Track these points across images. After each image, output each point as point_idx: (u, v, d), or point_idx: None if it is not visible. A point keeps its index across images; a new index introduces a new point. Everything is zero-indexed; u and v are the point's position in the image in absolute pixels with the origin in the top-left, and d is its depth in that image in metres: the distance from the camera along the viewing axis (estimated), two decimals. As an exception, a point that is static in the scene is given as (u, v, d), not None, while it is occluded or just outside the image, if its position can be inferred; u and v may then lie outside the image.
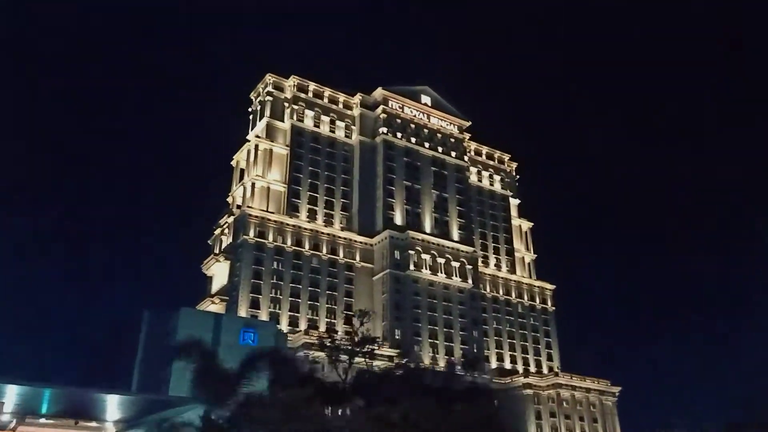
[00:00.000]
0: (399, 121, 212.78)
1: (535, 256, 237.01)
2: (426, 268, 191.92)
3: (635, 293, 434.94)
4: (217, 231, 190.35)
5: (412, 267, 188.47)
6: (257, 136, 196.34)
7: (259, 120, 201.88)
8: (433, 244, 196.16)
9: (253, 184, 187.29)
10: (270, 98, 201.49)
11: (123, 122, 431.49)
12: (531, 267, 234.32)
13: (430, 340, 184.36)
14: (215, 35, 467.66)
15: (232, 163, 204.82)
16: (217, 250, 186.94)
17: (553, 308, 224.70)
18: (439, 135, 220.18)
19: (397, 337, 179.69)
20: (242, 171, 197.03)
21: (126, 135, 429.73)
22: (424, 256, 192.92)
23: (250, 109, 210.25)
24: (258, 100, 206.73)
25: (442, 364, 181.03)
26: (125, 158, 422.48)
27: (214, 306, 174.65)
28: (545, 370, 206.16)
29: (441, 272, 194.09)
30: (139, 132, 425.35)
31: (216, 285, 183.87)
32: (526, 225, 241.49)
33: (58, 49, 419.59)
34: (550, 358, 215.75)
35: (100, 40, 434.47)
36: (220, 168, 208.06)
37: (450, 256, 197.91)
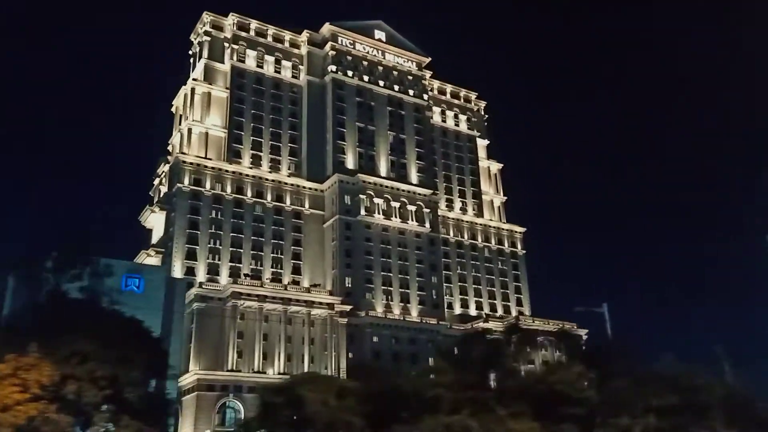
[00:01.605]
0: (350, 58, 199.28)
1: (505, 198, 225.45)
2: (379, 213, 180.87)
3: (610, 234, 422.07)
4: (156, 181, 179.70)
5: (363, 212, 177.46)
6: (194, 80, 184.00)
7: (198, 62, 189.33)
8: (387, 187, 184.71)
9: (189, 130, 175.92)
10: (208, 38, 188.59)
11: (66, 69, 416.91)
12: (501, 210, 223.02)
13: (383, 287, 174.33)
14: None
15: (172, 109, 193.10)
16: (156, 201, 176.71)
17: (524, 252, 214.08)
18: (395, 72, 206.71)
19: (347, 285, 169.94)
20: (181, 117, 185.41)
21: (68, 82, 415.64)
22: (376, 200, 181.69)
23: (190, 52, 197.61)
24: (197, 41, 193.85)
25: (396, 312, 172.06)
26: (69, 109, 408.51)
27: (150, 259, 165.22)
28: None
29: (396, 217, 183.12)
30: (81, 80, 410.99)
31: (155, 237, 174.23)
32: (495, 166, 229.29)
33: None
34: (519, 303, 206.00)
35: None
36: (165, 116, 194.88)
37: (406, 200, 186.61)
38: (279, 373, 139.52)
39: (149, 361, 68.46)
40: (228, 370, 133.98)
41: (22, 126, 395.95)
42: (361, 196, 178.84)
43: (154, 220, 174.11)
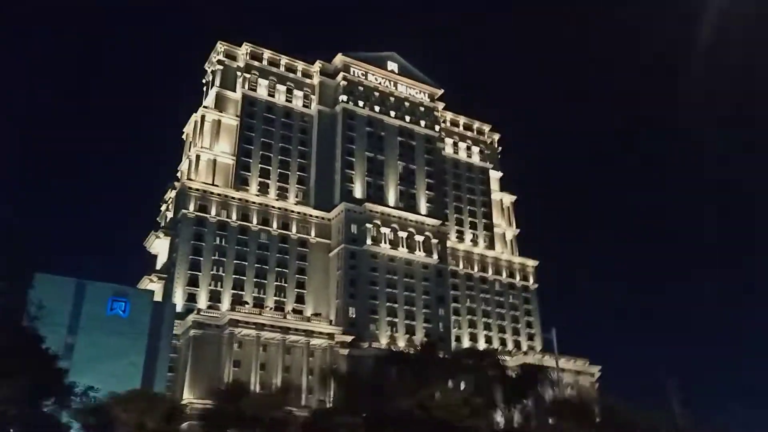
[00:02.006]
0: (361, 88, 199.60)
1: (518, 231, 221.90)
2: (386, 243, 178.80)
3: (625, 270, 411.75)
4: (163, 207, 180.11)
5: (369, 241, 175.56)
6: (205, 107, 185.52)
7: (210, 90, 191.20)
8: (395, 217, 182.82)
9: (198, 157, 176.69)
10: (221, 67, 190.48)
11: (88, 100, 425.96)
12: (513, 243, 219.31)
13: (388, 318, 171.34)
14: (172, 8, 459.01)
15: (183, 136, 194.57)
16: (162, 226, 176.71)
17: (536, 285, 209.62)
18: (407, 103, 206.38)
19: (351, 316, 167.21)
20: (191, 144, 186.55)
21: (89, 114, 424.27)
22: (383, 229, 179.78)
23: (204, 81, 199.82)
24: (211, 70, 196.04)
25: (401, 343, 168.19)
26: (90, 135, 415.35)
27: (153, 284, 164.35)
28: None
29: (403, 247, 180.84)
30: (101, 111, 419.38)
31: (160, 263, 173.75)
32: (509, 199, 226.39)
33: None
34: (530, 338, 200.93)
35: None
36: (177, 143, 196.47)
37: (414, 230, 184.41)
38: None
39: (35, 380, 64.53)
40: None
41: (33, 146, 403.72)
42: (368, 225, 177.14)
43: (159, 246, 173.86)
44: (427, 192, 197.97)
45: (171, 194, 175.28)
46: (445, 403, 76.90)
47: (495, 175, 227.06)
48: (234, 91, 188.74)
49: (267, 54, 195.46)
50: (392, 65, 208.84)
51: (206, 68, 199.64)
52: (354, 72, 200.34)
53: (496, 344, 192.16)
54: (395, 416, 78.30)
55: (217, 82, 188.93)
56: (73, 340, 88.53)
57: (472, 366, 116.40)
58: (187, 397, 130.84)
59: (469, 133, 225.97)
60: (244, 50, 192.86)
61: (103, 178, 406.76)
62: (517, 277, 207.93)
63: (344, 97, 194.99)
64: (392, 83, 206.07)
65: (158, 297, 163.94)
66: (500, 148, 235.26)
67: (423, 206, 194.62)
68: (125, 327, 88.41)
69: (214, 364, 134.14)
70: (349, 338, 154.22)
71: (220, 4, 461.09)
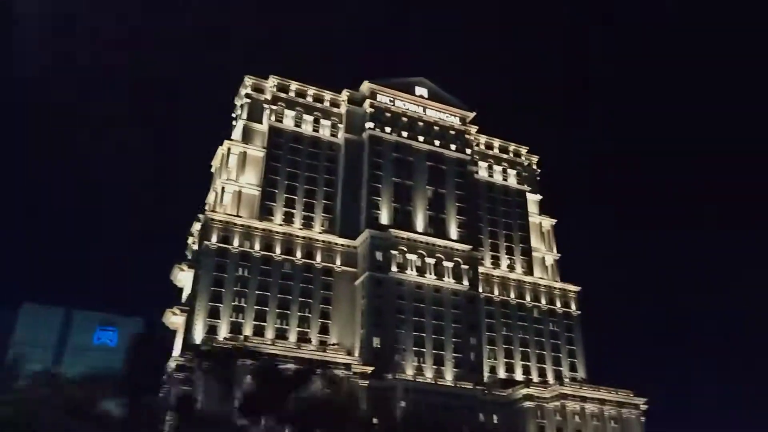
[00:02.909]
0: (389, 114, 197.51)
1: (559, 256, 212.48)
2: (412, 270, 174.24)
3: (671, 296, 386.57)
4: (190, 240, 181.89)
5: (394, 268, 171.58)
6: (231, 140, 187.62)
7: (237, 123, 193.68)
8: (421, 242, 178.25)
9: (223, 189, 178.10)
10: (248, 100, 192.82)
11: (125, 134, 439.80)
12: (553, 268, 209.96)
13: (415, 348, 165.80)
14: (206, 44, 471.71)
15: (212, 170, 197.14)
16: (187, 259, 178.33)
17: (578, 312, 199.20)
18: (436, 127, 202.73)
19: (376, 346, 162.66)
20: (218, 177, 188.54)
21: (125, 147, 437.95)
22: (410, 256, 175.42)
23: (233, 115, 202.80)
24: (240, 104, 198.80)
25: (429, 375, 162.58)
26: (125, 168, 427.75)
27: (175, 317, 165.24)
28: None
29: (431, 273, 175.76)
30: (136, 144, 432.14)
31: (185, 296, 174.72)
32: (548, 222, 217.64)
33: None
34: (573, 368, 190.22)
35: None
36: (208, 176, 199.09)
37: (442, 256, 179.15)
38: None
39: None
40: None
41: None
42: (393, 251, 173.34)
43: (184, 279, 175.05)
44: (458, 217, 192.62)
45: (196, 227, 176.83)
46: None
47: (533, 198, 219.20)
48: (260, 122, 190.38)
49: (294, 85, 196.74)
50: (421, 90, 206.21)
51: (236, 102, 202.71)
52: (381, 98, 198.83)
53: (534, 374, 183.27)
54: None
55: (244, 115, 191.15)
56: (57, 370, 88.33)
57: None
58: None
59: (504, 156, 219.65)
60: (271, 83, 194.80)
61: (133, 212, 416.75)
62: (558, 304, 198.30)
63: (371, 124, 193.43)
64: (421, 108, 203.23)
65: (181, 329, 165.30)
66: (539, 171, 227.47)
67: (454, 231, 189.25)
68: (114, 356, 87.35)
69: (227, 400, 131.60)
70: (369, 369, 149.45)
71: (251, 40, 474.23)
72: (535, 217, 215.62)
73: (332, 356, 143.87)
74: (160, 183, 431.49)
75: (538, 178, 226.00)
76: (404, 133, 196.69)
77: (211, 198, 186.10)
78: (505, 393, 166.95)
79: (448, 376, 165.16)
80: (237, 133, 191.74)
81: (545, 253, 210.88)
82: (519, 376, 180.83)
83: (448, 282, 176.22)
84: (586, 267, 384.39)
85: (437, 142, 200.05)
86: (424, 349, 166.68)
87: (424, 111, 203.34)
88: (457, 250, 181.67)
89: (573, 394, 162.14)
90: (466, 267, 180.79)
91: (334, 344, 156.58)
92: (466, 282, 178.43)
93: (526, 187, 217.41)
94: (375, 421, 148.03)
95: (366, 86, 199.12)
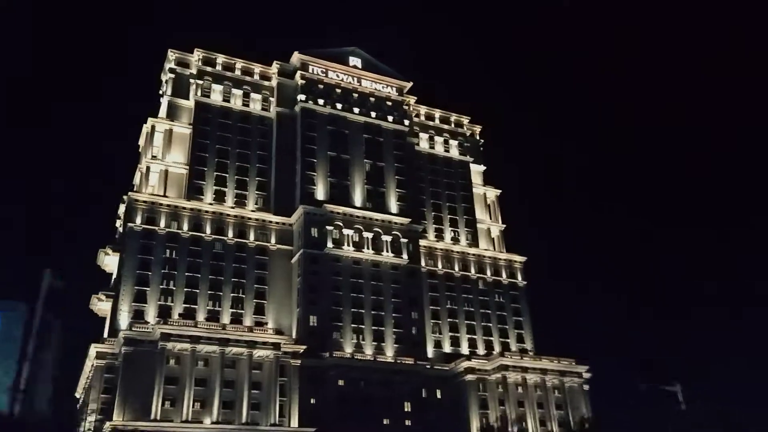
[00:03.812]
0: (321, 86, 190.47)
1: (504, 227, 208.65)
2: (349, 245, 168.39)
3: (617, 266, 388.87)
4: (118, 223, 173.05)
5: (330, 244, 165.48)
6: (156, 117, 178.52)
7: (162, 100, 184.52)
8: (358, 217, 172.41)
9: (148, 168, 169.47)
10: (173, 75, 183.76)
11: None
12: (499, 239, 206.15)
13: (353, 326, 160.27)
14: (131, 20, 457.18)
15: (140, 150, 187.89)
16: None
17: (524, 283, 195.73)
18: (372, 99, 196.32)
19: (312, 324, 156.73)
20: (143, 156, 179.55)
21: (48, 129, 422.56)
22: (346, 231, 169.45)
23: (160, 92, 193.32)
24: (165, 80, 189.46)
25: (369, 351, 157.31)
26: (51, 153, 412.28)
27: (102, 303, 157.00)
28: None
29: (368, 248, 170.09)
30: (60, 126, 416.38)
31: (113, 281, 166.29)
32: (493, 193, 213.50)
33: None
34: (520, 339, 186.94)
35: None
36: (136, 156, 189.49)
37: (380, 230, 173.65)
38: (215, 422, 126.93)
39: None
40: (152, 420, 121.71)
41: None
42: (328, 227, 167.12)
43: (111, 263, 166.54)
44: (398, 190, 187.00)
45: (122, 209, 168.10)
46: None
47: (477, 169, 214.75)
48: (187, 99, 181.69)
49: (221, 59, 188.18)
50: (355, 60, 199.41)
51: (162, 78, 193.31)
52: (313, 70, 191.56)
53: (481, 347, 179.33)
54: None
55: (169, 91, 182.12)
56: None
57: None
58: (117, 419, 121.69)
59: (445, 126, 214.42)
60: (196, 57, 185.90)
61: (62, 199, 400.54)
62: (504, 275, 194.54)
63: (302, 96, 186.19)
64: (355, 79, 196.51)
65: (107, 315, 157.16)
66: (482, 141, 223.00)
67: (393, 205, 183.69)
68: (-6, 344, 79.71)
69: (147, 383, 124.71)
70: (300, 348, 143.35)
71: (174, 13, 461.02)
72: (479, 188, 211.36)
73: (258, 336, 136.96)
74: (89, 165, 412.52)
75: (482, 149, 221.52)
76: (339, 105, 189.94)
77: (137, 179, 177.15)
78: (447, 367, 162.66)
79: (389, 353, 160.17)
80: (162, 109, 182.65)
81: (490, 224, 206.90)
82: (465, 350, 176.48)
83: (387, 256, 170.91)
84: (533, 237, 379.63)
85: (374, 114, 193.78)
86: (363, 326, 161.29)
87: (359, 82, 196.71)
88: (396, 223, 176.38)
89: (514, 365, 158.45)
90: (405, 240, 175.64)
91: (260, 324, 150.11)
92: (405, 256, 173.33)
93: (469, 158, 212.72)
94: (312, 401, 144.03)
95: (296, 57, 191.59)
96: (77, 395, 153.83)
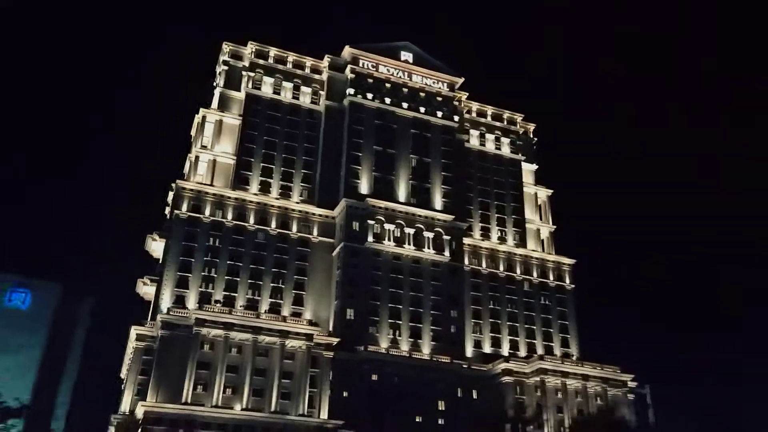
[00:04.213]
0: (371, 81, 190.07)
1: (554, 227, 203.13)
2: (390, 240, 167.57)
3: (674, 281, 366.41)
4: (166, 209, 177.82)
5: (371, 239, 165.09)
6: (207, 108, 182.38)
7: (215, 91, 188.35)
8: (400, 212, 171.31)
9: (197, 158, 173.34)
10: (226, 68, 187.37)
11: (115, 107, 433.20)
12: (549, 241, 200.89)
13: (390, 321, 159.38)
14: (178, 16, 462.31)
15: (192, 141, 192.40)
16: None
17: (572, 286, 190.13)
18: (422, 94, 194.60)
19: (348, 318, 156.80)
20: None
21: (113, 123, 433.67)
22: (388, 226, 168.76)
23: (214, 84, 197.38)
24: (219, 71, 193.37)
25: (405, 347, 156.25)
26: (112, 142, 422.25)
27: (146, 287, 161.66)
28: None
29: (409, 244, 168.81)
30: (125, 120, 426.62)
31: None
32: (544, 193, 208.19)
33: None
34: (565, 343, 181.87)
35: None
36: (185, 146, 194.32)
37: (422, 226, 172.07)
38: (244, 409, 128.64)
39: None
40: (182, 404, 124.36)
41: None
42: (370, 221, 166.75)
43: (158, 249, 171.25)
44: (443, 186, 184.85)
45: (171, 196, 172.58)
46: None
47: (529, 168, 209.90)
48: (239, 90, 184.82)
49: (273, 52, 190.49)
50: (406, 55, 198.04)
51: (216, 70, 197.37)
52: (363, 64, 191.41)
53: (523, 349, 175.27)
54: None
55: (221, 82, 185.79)
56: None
57: None
58: (150, 400, 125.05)
59: (497, 123, 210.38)
60: (249, 49, 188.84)
61: (121, 184, 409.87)
62: (551, 277, 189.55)
63: (351, 90, 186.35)
64: (406, 73, 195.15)
65: (151, 300, 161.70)
66: (535, 139, 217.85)
67: (438, 201, 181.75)
68: (24, 320, 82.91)
69: (181, 367, 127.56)
70: (333, 340, 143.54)
71: (229, 8, 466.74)
72: (530, 188, 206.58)
73: (293, 326, 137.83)
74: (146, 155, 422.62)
75: (534, 147, 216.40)
76: (387, 100, 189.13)
77: (186, 167, 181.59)
78: (485, 368, 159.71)
79: (426, 350, 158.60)
80: (214, 101, 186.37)
81: (540, 224, 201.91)
82: (505, 351, 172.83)
83: (428, 253, 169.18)
84: (587, 240, 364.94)
85: (423, 109, 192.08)
86: (401, 322, 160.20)
87: (410, 77, 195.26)
88: (439, 220, 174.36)
89: (553, 369, 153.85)
90: (448, 238, 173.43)
91: (296, 315, 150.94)
92: (447, 253, 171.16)
93: (520, 156, 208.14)
94: (345, 394, 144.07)
95: (347, 51, 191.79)
96: (122, 376, 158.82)
